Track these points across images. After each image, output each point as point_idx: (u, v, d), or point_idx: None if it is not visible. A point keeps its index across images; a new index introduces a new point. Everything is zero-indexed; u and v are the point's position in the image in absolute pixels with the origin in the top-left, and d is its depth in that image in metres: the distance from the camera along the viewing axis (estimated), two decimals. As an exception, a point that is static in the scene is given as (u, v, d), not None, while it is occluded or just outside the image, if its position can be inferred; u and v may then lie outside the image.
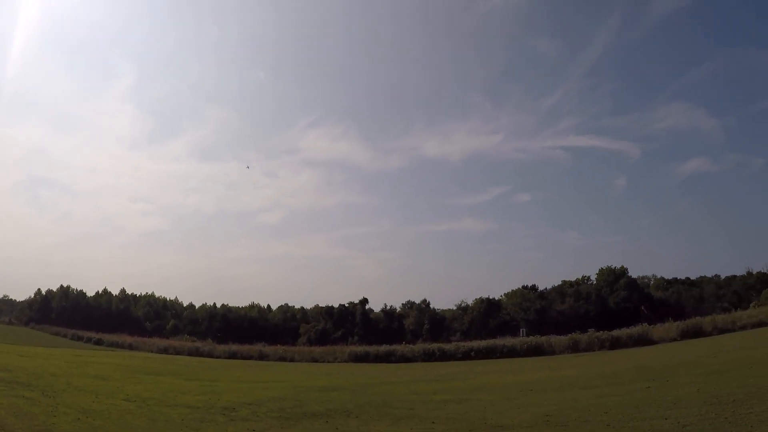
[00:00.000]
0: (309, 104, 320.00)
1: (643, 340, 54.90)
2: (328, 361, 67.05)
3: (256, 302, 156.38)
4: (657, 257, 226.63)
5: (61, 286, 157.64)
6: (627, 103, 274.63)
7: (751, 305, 73.19)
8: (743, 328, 51.80)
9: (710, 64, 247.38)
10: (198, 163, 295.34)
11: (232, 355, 75.98)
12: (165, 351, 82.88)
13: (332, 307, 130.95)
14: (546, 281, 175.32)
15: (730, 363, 27.26)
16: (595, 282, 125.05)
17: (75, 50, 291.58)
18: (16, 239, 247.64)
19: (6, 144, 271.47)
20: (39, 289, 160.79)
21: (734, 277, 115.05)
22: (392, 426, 18.98)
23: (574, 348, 56.95)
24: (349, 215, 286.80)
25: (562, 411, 19.34)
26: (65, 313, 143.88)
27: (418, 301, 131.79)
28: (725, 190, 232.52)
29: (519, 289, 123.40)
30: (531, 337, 65.74)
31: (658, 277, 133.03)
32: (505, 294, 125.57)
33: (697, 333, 53.09)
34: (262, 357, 73.92)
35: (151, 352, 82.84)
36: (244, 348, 79.57)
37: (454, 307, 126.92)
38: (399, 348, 67.78)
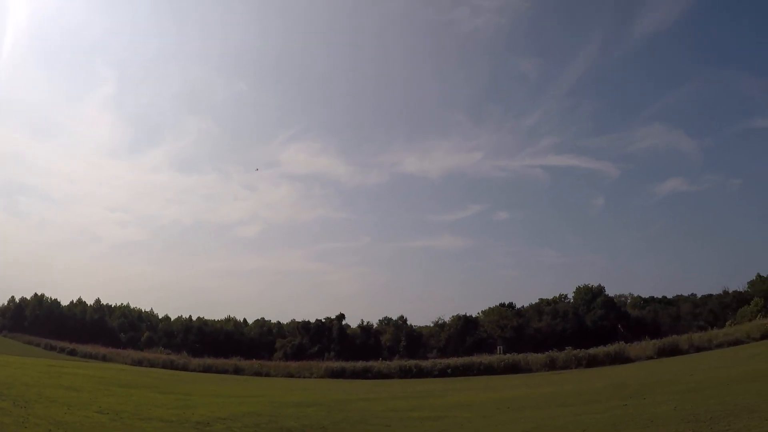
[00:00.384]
0: (290, 118, 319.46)
1: (620, 358, 55.14)
2: (304, 377, 66.69)
3: (232, 316, 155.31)
4: (634, 276, 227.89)
5: (36, 294, 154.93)
6: (606, 123, 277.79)
7: (727, 324, 73.93)
8: (719, 346, 52.35)
9: (689, 85, 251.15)
10: (177, 173, 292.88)
11: (207, 369, 75.32)
12: (139, 363, 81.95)
13: (309, 322, 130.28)
14: (523, 299, 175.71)
15: (707, 381, 27.37)
16: (572, 300, 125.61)
17: (56, 55, 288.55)
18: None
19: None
20: (13, 297, 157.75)
21: (710, 296, 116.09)
22: (369, 442, 18.80)
23: (551, 366, 57.07)
24: (327, 230, 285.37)
25: (539, 429, 19.26)
26: (39, 322, 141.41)
27: (395, 318, 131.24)
28: (702, 210, 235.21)
29: (496, 306, 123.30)
30: (508, 355, 65.89)
31: (635, 295, 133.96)
32: (482, 311, 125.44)
33: (673, 351, 53.50)
34: (237, 371, 73.40)
35: (125, 363, 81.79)
36: (220, 362, 78.84)
37: (432, 324, 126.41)
38: (376, 364, 67.65)
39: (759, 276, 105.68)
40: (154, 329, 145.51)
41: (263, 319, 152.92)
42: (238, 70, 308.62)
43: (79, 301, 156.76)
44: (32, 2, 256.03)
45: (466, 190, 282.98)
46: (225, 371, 73.81)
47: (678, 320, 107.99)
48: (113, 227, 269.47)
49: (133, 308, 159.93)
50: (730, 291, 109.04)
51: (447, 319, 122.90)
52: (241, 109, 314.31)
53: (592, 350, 58.17)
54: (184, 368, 76.84)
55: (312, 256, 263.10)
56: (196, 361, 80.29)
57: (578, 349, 59.37)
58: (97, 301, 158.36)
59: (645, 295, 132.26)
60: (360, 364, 67.61)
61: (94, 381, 42.37)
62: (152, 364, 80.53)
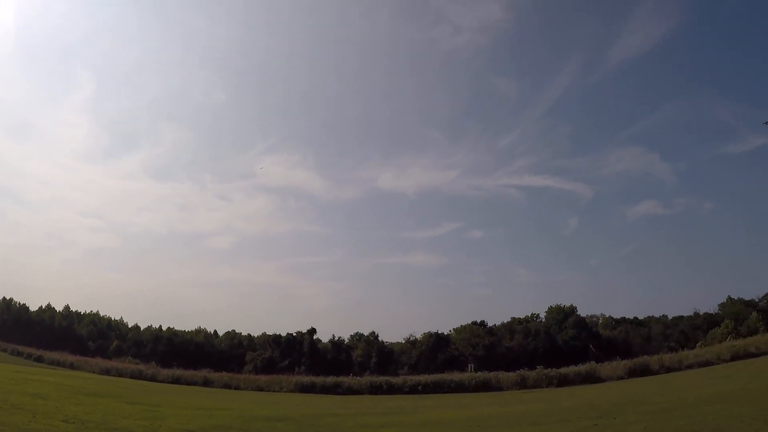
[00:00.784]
0: (268, 129, 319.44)
1: (591, 378, 55.34)
2: (274, 390, 66.08)
3: (202, 327, 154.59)
4: (606, 296, 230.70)
5: (4, 299, 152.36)
6: (583, 145, 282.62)
7: (697, 345, 74.91)
8: (690, 367, 52.86)
9: (665, 110, 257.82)
10: (151, 181, 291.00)
11: (176, 380, 74.30)
12: (107, 372, 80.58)
13: (280, 335, 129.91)
14: (496, 317, 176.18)
15: (677, 402, 27.51)
16: (544, 319, 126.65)
17: (36, 56, 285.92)
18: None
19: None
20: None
21: (681, 317, 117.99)
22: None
23: (522, 384, 57.11)
24: (301, 243, 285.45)
25: (510, 447, 19.21)
26: (6, 327, 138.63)
27: (366, 333, 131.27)
28: (675, 233, 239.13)
29: (468, 324, 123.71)
30: (479, 373, 65.77)
31: (607, 316, 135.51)
32: (454, 329, 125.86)
33: (644, 371, 53.86)
34: (206, 383, 72.49)
35: (93, 372, 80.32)
36: (189, 373, 77.79)
37: (403, 341, 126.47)
38: (346, 380, 67.19)
39: (730, 298, 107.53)
40: (124, 338, 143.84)
41: (234, 331, 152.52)
42: (218, 79, 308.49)
43: (48, 306, 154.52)
44: (16, 2, 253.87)
45: (442, 207, 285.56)
46: (194, 383, 72.80)
47: (649, 341, 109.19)
48: (85, 233, 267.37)
49: (103, 316, 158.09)
50: (701, 313, 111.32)
51: (419, 336, 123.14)
52: (219, 118, 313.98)
53: (563, 369, 58.27)
54: (153, 379, 75.73)
55: (285, 269, 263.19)
56: (165, 372, 79.15)
57: (549, 369, 59.42)
58: (67, 307, 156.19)
59: (617, 315, 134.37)
60: (330, 379, 67.11)
61: (61, 389, 41.57)
62: (120, 374, 79.25)
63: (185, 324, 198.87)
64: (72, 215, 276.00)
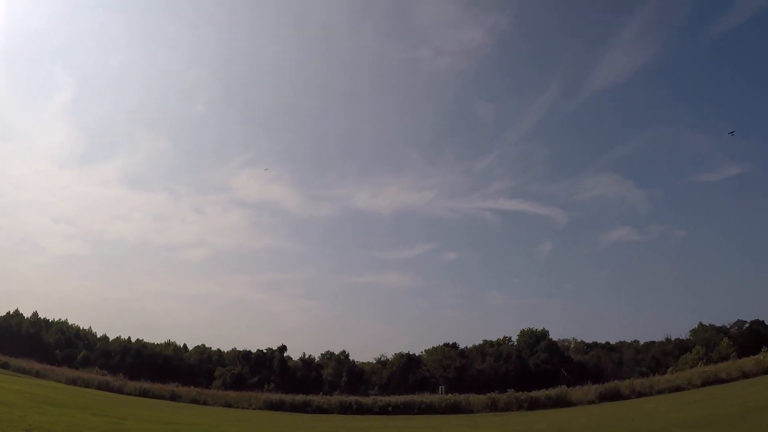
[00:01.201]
0: (246, 143, 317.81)
1: (562, 402, 55.54)
2: (243, 407, 65.44)
3: (172, 340, 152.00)
4: (578, 321, 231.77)
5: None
6: (558, 170, 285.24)
7: (668, 370, 75.49)
8: (661, 392, 53.42)
9: (642, 137, 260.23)
10: (127, 190, 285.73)
11: (144, 393, 73.32)
12: (74, 382, 79.28)
13: (250, 351, 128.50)
14: (467, 340, 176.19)
15: (647, 426, 27.63)
16: (516, 343, 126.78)
17: (16, 56, 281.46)
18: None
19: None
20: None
21: (653, 342, 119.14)
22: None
23: (493, 407, 57.11)
24: (275, 260, 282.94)
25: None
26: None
27: (337, 352, 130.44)
28: (648, 260, 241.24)
29: (440, 346, 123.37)
30: (450, 395, 65.64)
31: (579, 340, 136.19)
32: (425, 350, 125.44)
33: (615, 396, 54.23)
34: (174, 397, 71.59)
35: (59, 381, 78.96)
36: (156, 386, 76.90)
37: (374, 361, 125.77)
38: (316, 398, 66.82)
39: (701, 324, 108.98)
40: (92, 348, 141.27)
41: (204, 345, 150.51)
42: (199, 90, 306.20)
43: (16, 312, 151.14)
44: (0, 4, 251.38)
45: (416, 228, 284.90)
46: (161, 396, 71.87)
47: (620, 366, 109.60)
48: (57, 239, 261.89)
49: (71, 324, 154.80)
50: (673, 338, 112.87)
51: (390, 356, 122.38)
52: (197, 130, 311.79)
53: (534, 393, 58.46)
54: (120, 391, 74.66)
55: (258, 284, 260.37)
56: (132, 384, 78.05)
57: (520, 392, 59.55)
58: (35, 314, 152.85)
59: (588, 340, 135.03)
60: (300, 398, 66.71)
61: (26, 397, 40.80)
62: (87, 384, 77.98)
63: (155, 336, 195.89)
64: (44, 220, 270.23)
